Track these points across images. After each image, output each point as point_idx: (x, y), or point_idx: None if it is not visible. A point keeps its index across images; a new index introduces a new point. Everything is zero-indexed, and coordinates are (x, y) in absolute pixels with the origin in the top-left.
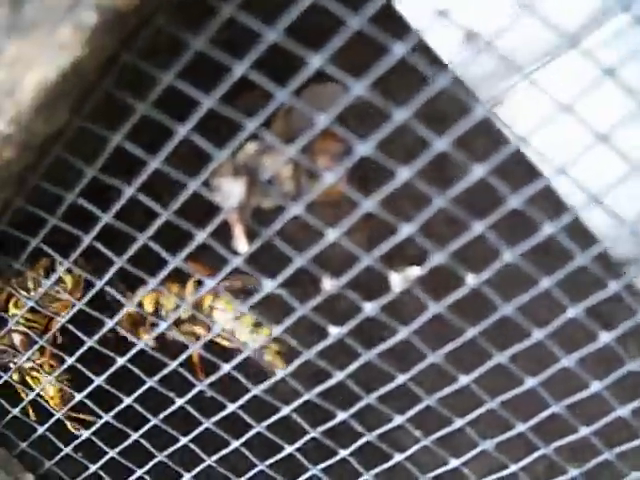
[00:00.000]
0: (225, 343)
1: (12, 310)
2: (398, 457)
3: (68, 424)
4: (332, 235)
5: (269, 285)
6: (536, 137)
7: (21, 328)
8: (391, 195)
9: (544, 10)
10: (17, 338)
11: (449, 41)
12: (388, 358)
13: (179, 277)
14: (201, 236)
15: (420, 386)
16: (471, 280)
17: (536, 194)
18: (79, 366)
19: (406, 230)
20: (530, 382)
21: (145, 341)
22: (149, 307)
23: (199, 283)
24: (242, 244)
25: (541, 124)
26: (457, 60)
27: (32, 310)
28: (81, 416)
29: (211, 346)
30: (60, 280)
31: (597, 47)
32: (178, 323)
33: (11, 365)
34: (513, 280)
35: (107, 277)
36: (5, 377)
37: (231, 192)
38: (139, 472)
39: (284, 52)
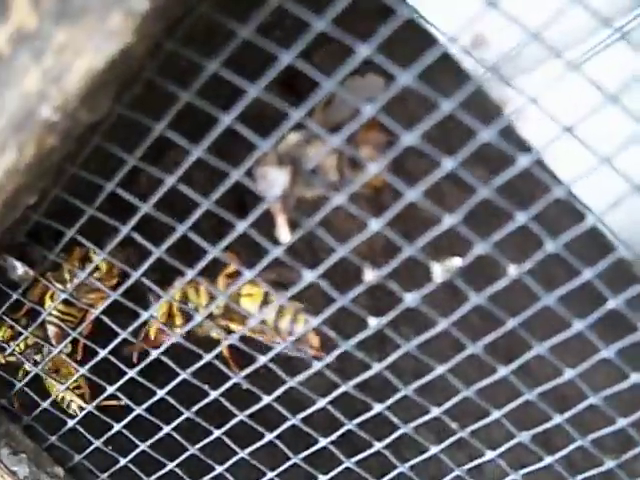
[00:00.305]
0: (257, 336)
1: (48, 302)
2: (434, 449)
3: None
4: (375, 225)
5: (309, 276)
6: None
7: (55, 320)
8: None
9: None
10: (52, 330)
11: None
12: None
13: (206, 272)
14: (242, 226)
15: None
16: (513, 271)
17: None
18: (112, 358)
19: (448, 221)
20: (569, 373)
21: (180, 333)
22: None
23: (229, 277)
24: (285, 234)
25: (588, 115)
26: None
27: (67, 303)
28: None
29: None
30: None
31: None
32: (210, 319)
33: (33, 361)
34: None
35: (144, 268)
36: (37, 370)
37: (276, 181)
38: (170, 465)
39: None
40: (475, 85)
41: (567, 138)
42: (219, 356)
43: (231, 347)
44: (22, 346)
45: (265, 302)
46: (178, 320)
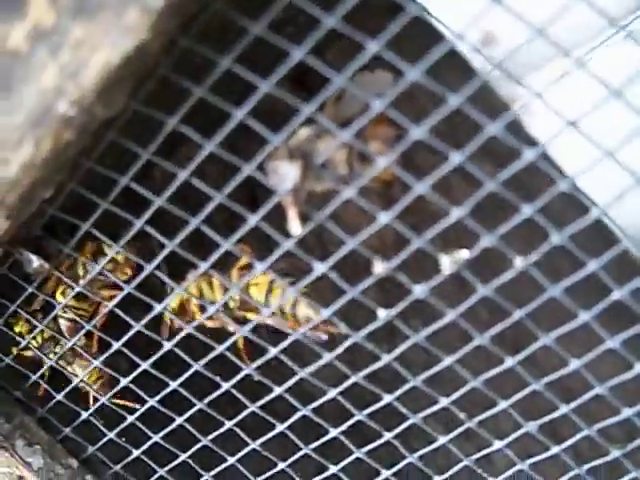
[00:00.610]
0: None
1: (59, 298)
2: (443, 439)
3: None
4: (384, 218)
5: (319, 267)
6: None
7: (67, 315)
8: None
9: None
10: (64, 325)
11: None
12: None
13: (218, 266)
14: (254, 219)
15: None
16: (520, 263)
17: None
18: (125, 350)
19: (456, 213)
20: (574, 364)
21: (194, 324)
22: (195, 301)
23: (241, 269)
24: (296, 226)
25: (592, 109)
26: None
27: (79, 298)
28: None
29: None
30: (112, 260)
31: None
32: (227, 311)
33: (52, 355)
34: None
35: (157, 261)
36: (51, 362)
37: (287, 175)
38: (183, 456)
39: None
40: (482, 80)
41: (572, 132)
42: (232, 347)
43: (246, 338)
44: (39, 339)
45: (270, 290)
46: (197, 316)
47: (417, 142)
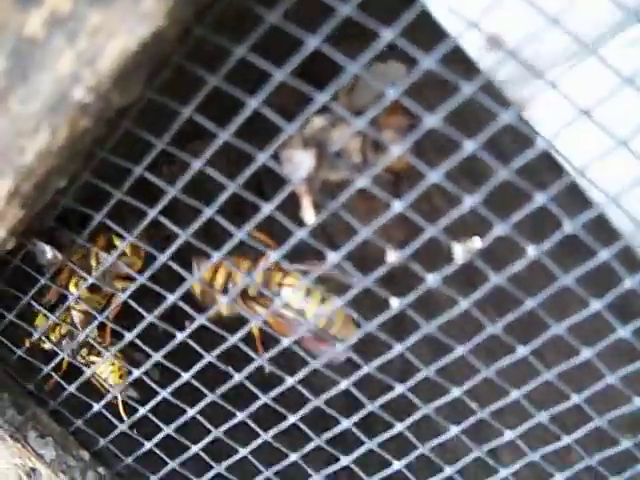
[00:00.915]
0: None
1: (72, 290)
2: (454, 429)
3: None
4: (398, 206)
5: (333, 256)
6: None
7: (80, 307)
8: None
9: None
10: (77, 317)
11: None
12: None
13: (249, 254)
14: (268, 208)
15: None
16: (532, 251)
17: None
18: (138, 342)
19: (469, 201)
20: (586, 353)
21: (205, 315)
22: (220, 280)
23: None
24: (310, 215)
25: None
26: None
27: (91, 290)
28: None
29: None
30: (122, 254)
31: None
32: (245, 300)
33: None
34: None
35: (170, 251)
36: (62, 355)
37: (301, 164)
38: (194, 448)
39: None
40: (490, 71)
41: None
42: (246, 338)
43: (262, 330)
44: (57, 334)
45: (308, 294)
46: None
47: (426, 137)
